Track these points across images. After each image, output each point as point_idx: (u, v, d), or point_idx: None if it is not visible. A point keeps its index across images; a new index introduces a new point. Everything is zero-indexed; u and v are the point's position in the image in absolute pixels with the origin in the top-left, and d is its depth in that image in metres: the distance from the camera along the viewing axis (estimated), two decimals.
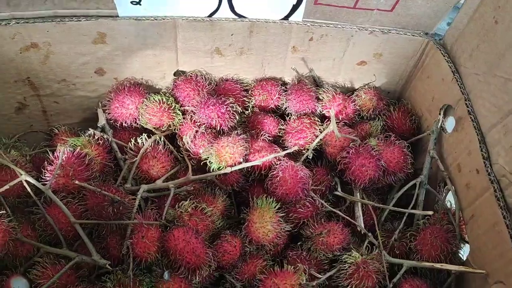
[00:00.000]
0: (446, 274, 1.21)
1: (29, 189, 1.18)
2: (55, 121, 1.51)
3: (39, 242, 1.19)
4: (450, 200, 1.29)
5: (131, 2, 1.27)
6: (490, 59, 1.14)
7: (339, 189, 1.37)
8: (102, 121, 1.42)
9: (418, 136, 1.43)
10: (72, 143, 1.31)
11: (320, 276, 1.22)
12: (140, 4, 1.28)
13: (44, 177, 1.21)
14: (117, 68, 1.42)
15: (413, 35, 1.39)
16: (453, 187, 1.26)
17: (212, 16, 1.34)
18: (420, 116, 1.49)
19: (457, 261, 1.19)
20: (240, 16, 1.34)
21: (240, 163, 1.28)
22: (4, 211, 1.12)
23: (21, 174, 1.17)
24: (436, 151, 1.35)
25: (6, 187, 1.14)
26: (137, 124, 1.44)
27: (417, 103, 1.50)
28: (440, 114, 1.34)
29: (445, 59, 1.32)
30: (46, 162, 1.25)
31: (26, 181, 1.17)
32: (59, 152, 1.21)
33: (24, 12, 1.23)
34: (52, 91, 1.42)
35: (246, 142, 1.29)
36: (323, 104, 1.48)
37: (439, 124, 1.34)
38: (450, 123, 1.33)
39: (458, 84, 1.26)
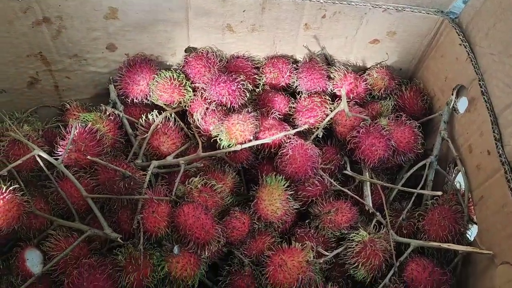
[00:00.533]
0: (453, 254, 1.21)
1: (41, 164, 1.20)
2: (67, 96, 1.51)
3: (52, 215, 1.22)
4: (459, 181, 1.29)
5: None
6: (507, 39, 1.12)
7: (348, 168, 1.37)
8: (113, 97, 1.43)
9: (430, 117, 1.42)
10: (83, 118, 1.32)
11: (327, 253, 1.23)
12: None
13: (57, 152, 1.23)
14: (128, 43, 1.42)
15: (428, 13, 1.36)
16: (463, 168, 1.26)
17: None
18: (432, 96, 1.47)
19: (464, 242, 1.20)
20: None
21: (250, 140, 1.28)
22: (17, 185, 1.14)
23: (34, 149, 1.19)
24: (447, 132, 1.34)
25: (19, 161, 1.16)
26: (148, 100, 1.44)
27: (430, 82, 1.48)
28: (452, 94, 1.32)
29: (460, 38, 1.30)
30: (58, 137, 1.27)
31: (39, 155, 1.19)
32: (71, 127, 1.23)
33: None
34: (64, 66, 1.43)
35: (256, 120, 1.29)
36: (334, 83, 1.46)
37: (451, 104, 1.33)
38: (462, 104, 1.31)
39: (473, 64, 1.24)
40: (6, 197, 1.08)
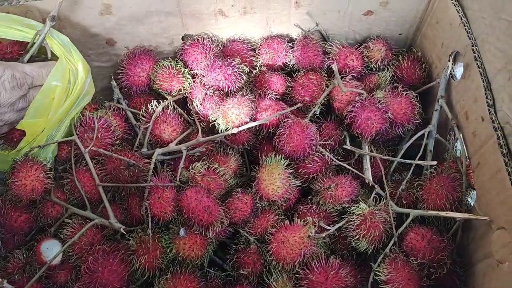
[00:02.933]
0: (453, 221, 1.22)
1: (72, 150, 1.32)
2: None
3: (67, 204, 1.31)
4: (459, 148, 1.28)
5: None
6: (495, 1, 1.09)
7: (347, 142, 1.39)
8: (116, 93, 1.49)
9: (427, 86, 1.40)
10: (93, 115, 1.38)
11: (329, 228, 1.26)
12: None
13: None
14: (126, 37, 1.47)
15: None
16: (461, 135, 1.25)
17: None
18: (430, 63, 1.45)
19: (463, 209, 1.20)
20: None
21: (247, 122, 1.31)
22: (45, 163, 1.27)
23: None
24: (445, 99, 1.33)
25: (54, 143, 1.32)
26: (151, 89, 1.49)
27: (428, 50, 1.46)
28: (449, 61, 1.30)
29: (453, 2, 1.27)
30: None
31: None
32: (91, 119, 1.33)
33: None
34: None
35: (251, 102, 1.32)
36: (330, 59, 1.47)
37: (448, 71, 1.31)
38: (459, 70, 1.29)
39: (466, 29, 1.21)
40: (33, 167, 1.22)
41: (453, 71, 1.32)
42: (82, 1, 1.32)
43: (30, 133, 1.26)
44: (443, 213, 1.17)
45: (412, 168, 1.30)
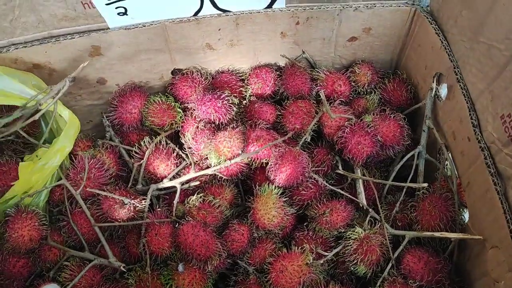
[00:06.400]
0: (448, 241, 1.23)
1: (65, 193, 1.32)
2: None
3: (65, 247, 1.31)
4: (450, 167, 1.30)
5: (118, 14, 1.32)
6: (473, 25, 1.13)
7: (340, 167, 1.40)
8: (109, 131, 1.50)
9: (413, 107, 1.43)
10: (86, 155, 1.39)
11: (327, 254, 1.27)
12: (127, 14, 1.33)
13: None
14: (116, 75, 1.49)
15: (399, 6, 1.37)
16: (450, 154, 1.27)
17: (197, 15, 1.37)
18: (416, 85, 1.48)
19: (457, 228, 1.22)
20: (224, 11, 1.37)
21: (239, 154, 1.33)
22: (37, 210, 1.27)
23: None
24: (433, 120, 1.36)
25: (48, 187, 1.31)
26: (143, 125, 1.51)
27: (412, 72, 1.49)
28: (433, 82, 1.33)
29: (433, 26, 1.30)
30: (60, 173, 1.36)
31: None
32: (83, 159, 1.33)
33: (20, 37, 1.30)
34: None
35: (242, 134, 1.34)
36: (318, 85, 1.50)
37: (433, 92, 1.34)
38: (444, 91, 1.32)
39: (447, 52, 1.24)
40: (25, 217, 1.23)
41: (438, 91, 1.34)
42: (73, 44, 1.34)
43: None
44: (437, 234, 1.18)
45: (404, 190, 1.32)
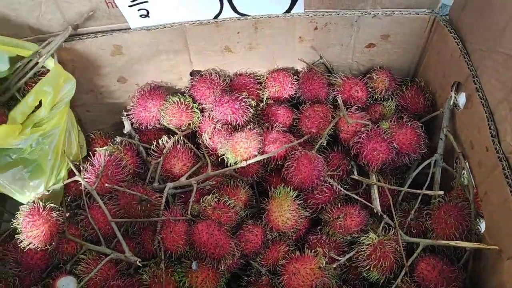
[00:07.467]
0: (463, 250, 1.22)
1: (82, 188, 1.34)
2: (90, 128, 1.64)
3: (82, 240, 1.34)
4: (466, 177, 1.30)
5: (140, 16, 1.34)
6: (492, 35, 1.12)
7: (355, 172, 1.41)
8: (127, 128, 1.53)
9: (431, 115, 1.43)
10: (103, 151, 1.42)
11: (340, 258, 1.27)
12: (149, 17, 1.35)
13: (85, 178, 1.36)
14: (136, 74, 1.52)
15: (418, 14, 1.37)
16: (467, 163, 1.27)
17: (217, 18, 1.39)
18: (434, 93, 1.48)
19: (472, 238, 1.21)
20: (243, 15, 1.39)
21: (255, 156, 1.34)
22: (54, 205, 1.30)
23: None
24: (450, 129, 1.35)
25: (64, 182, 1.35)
26: (161, 124, 1.54)
27: (431, 80, 1.49)
28: (452, 90, 1.33)
29: (452, 35, 1.30)
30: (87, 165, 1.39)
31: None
32: (100, 156, 1.35)
33: (45, 34, 1.34)
34: (83, 102, 1.55)
35: (259, 136, 1.35)
36: (335, 90, 1.50)
37: (451, 101, 1.34)
38: (462, 100, 1.31)
39: (466, 61, 1.24)
40: (43, 213, 1.24)
41: (456, 100, 1.34)
42: (95, 43, 1.37)
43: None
44: (452, 243, 1.18)
45: (420, 197, 1.32)
